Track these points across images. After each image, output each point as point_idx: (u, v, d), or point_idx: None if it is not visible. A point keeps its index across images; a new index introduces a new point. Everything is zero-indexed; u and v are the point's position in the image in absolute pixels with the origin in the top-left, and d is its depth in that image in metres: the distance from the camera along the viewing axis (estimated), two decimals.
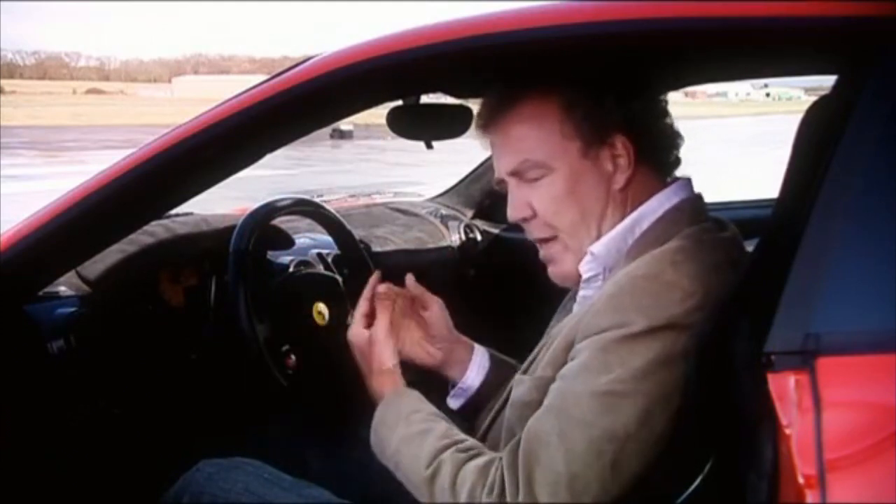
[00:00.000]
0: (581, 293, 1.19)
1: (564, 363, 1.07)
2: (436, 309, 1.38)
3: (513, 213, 1.20)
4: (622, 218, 1.15)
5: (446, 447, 1.09)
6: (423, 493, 1.08)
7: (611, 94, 1.14)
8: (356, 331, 1.31)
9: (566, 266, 1.19)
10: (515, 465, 1.01)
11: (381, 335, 1.29)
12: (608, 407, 0.98)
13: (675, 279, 1.03)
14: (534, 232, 1.20)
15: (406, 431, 1.15)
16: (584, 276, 1.17)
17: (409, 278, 1.37)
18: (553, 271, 1.22)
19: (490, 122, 1.20)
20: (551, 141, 1.13)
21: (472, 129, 1.49)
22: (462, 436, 1.13)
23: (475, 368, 1.38)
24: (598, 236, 1.15)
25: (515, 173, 1.17)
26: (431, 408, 1.20)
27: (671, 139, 1.20)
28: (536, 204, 1.16)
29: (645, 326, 1.00)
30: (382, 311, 1.31)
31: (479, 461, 1.05)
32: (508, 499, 0.99)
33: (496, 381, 1.35)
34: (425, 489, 1.08)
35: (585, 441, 0.98)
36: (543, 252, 1.21)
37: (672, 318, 1.00)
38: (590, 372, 1.01)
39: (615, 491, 0.99)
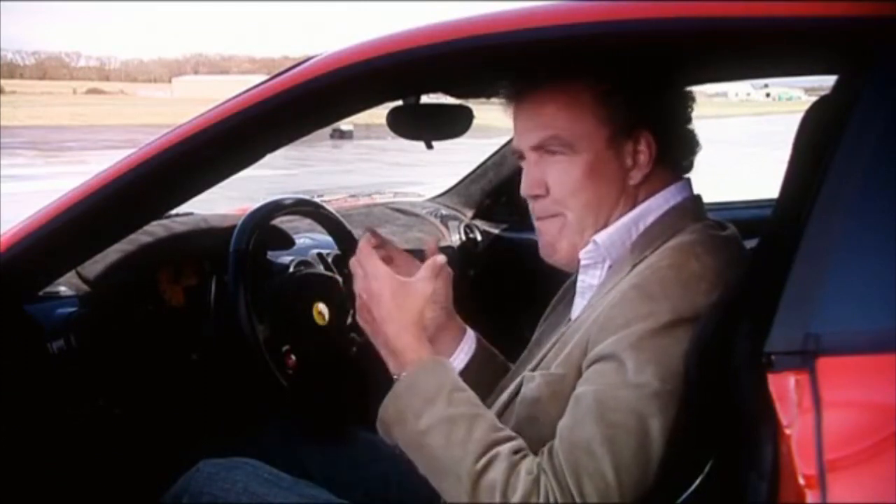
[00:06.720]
0: (580, 281, 1.19)
1: (579, 363, 1.06)
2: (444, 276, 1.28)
3: (526, 189, 1.18)
4: (630, 212, 1.16)
5: (500, 441, 1.01)
6: (464, 484, 0.99)
7: (647, 89, 1.14)
8: (388, 272, 1.14)
9: (560, 244, 1.18)
10: (559, 476, 0.98)
11: (427, 281, 1.15)
12: (651, 410, 0.97)
13: (700, 270, 1.04)
14: (539, 211, 1.19)
15: (449, 411, 1.03)
16: (583, 262, 1.17)
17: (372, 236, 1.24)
18: (544, 242, 1.20)
19: (522, 93, 1.17)
20: (583, 123, 1.13)
21: (471, 130, 1.49)
22: (508, 430, 1.05)
23: (462, 351, 1.32)
24: (605, 226, 1.15)
25: (538, 148, 1.16)
26: (470, 390, 1.08)
27: (691, 145, 1.21)
28: (552, 183, 1.15)
29: (674, 317, 1.00)
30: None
31: (531, 466, 1.00)
32: None
33: (478, 368, 1.31)
34: (468, 480, 0.99)
35: (633, 448, 0.97)
36: (541, 226, 1.20)
37: (698, 309, 1.00)
38: (626, 373, 0.99)
39: (647, 489, 0.98)
